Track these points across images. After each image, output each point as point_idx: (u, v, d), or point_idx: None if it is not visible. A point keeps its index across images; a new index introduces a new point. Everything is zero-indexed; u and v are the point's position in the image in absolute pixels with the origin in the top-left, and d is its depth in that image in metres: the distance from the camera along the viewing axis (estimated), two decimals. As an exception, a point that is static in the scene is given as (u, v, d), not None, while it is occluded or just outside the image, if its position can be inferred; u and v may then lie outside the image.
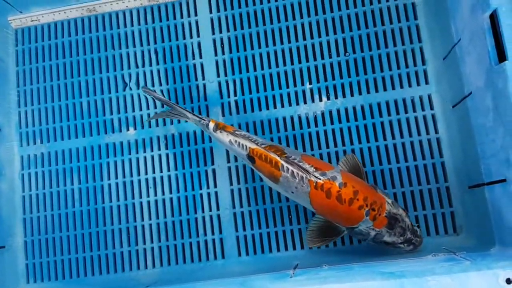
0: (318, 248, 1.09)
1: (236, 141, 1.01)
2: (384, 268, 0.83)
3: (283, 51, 1.19)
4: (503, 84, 0.80)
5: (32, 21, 1.29)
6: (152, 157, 1.20)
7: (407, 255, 0.93)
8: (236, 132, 1.02)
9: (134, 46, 1.25)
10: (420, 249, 0.98)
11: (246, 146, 1.00)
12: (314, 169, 0.95)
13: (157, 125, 1.21)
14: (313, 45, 1.18)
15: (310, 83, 1.17)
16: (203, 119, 1.05)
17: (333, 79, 1.16)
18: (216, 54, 1.22)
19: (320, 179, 0.94)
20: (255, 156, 1.00)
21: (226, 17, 1.23)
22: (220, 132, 1.03)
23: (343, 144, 1.14)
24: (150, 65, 1.24)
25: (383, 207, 0.95)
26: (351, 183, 0.95)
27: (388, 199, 0.97)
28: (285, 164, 0.96)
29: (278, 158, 0.97)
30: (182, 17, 1.25)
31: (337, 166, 1.02)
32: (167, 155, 1.20)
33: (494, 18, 0.83)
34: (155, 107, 1.22)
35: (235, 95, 1.20)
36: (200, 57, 1.22)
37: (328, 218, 0.99)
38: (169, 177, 1.19)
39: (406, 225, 0.96)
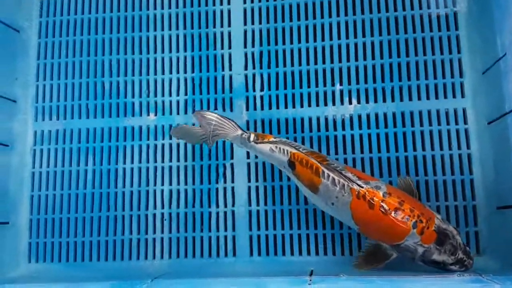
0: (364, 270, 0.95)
1: (277, 147, 0.98)
2: (407, 284, 0.80)
3: (315, 48, 1.15)
4: (555, 103, 0.77)
5: (60, -7, 1.26)
6: (170, 145, 1.16)
7: (428, 272, 0.90)
8: (276, 138, 0.99)
9: (163, 29, 1.21)
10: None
11: (287, 151, 0.97)
12: (357, 178, 0.91)
13: (178, 113, 1.17)
14: (347, 45, 1.14)
15: (341, 84, 1.13)
16: (245, 132, 1.01)
17: (366, 82, 1.12)
18: (245, 46, 1.18)
19: (363, 187, 0.89)
20: (296, 161, 0.95)
21: (260, 9, 1.19)
22: (261, 142, 0.99)
23: (370, 151, 1.09)
24: (178, 51, 1.20)
25: (432, 220, 0.89)
26: (396, 194, 0.90)
27: (438, 215, 0.91)
28: (326, 171, 0.92)
29: (319, 164, 0.93)
30: (214, 4, 1.21)
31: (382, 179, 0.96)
32: (186, 144, 1.15)
33: (549, 34, 0.80)
34: (178, 95, 1.18)
35: (262, 90, 1.16)
36: (229, 47, 1.18)
37: (372, 235, 0.94)
38: (185, 167, 1.15)
39: (457, 244, 0.89)
